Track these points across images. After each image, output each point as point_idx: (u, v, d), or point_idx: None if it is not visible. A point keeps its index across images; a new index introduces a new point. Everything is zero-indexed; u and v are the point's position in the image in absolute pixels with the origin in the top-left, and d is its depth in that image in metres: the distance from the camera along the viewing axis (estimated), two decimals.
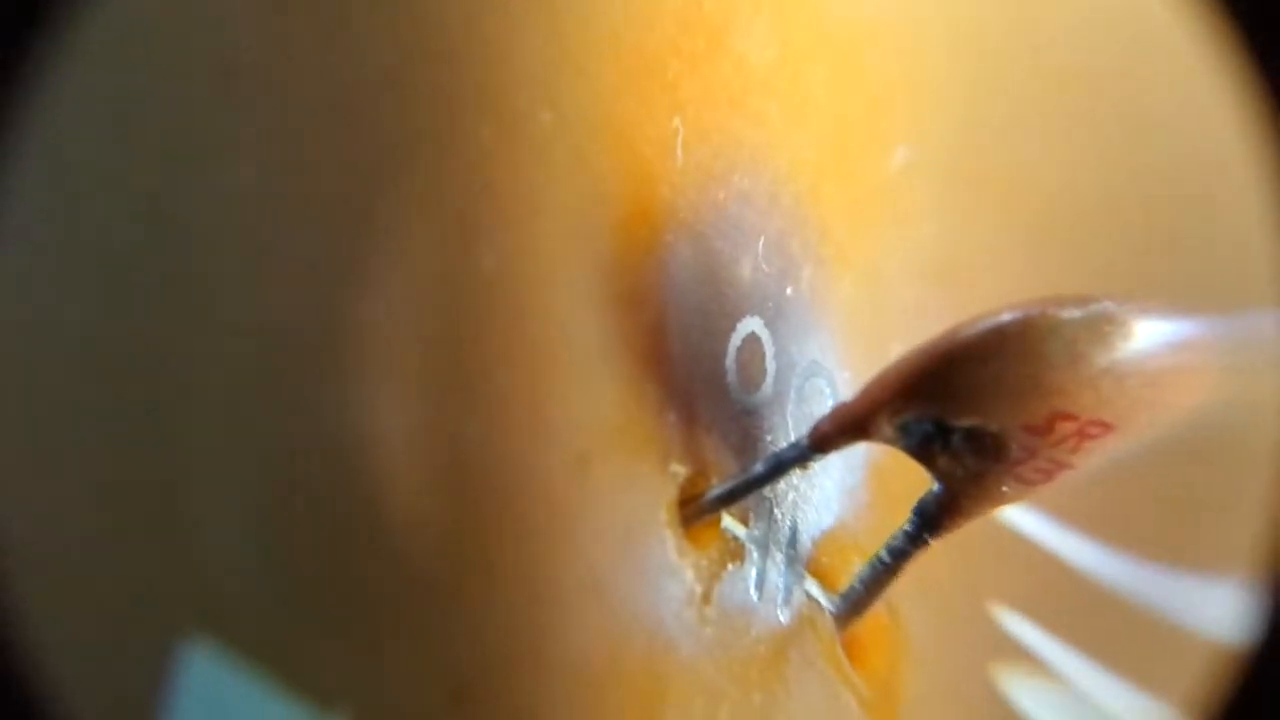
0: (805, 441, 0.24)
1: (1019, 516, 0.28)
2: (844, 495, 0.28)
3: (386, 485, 0.20)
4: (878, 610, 0.26)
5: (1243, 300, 0.26)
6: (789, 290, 0.26)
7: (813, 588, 0.26)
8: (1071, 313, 0.22)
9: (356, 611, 0.20)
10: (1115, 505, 0.29)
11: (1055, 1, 0.28)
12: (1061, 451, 0.23)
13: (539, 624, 0.22)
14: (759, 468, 0.25)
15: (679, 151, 0.24)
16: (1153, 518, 0.29)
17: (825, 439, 0.24)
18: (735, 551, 0.25)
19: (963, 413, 0.23)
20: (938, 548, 0.25)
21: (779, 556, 0.26)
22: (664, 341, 0.24)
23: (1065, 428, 0.22)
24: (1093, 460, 0.23)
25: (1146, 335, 0.22)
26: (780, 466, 0.25)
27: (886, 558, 0.25)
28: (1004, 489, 0.23)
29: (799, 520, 0.27)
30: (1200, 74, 0.22)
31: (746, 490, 0.25)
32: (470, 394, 0.21)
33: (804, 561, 0.26)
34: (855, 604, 0.26)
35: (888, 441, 0.24)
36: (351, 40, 0.20)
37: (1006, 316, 0.22)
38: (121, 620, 0.17)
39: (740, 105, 0.25)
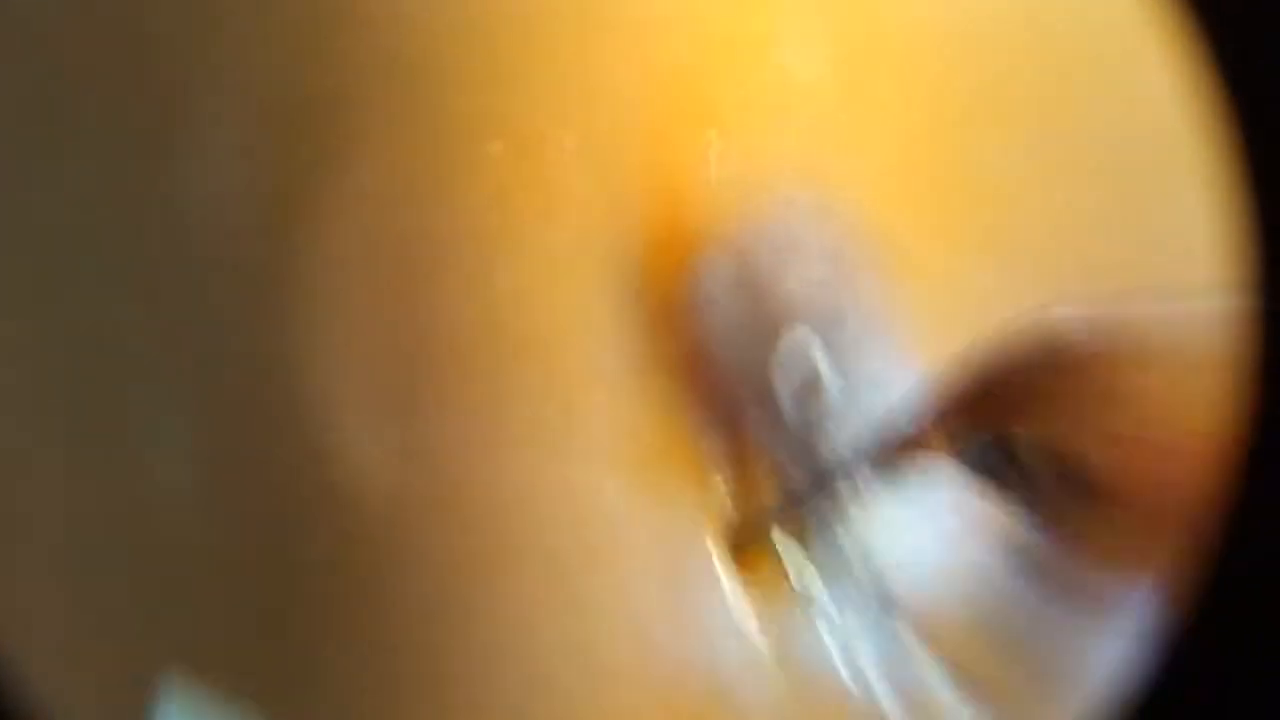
0: (855, 456, 0.24)
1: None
2: (940, 539, 0.25)
3: (410, 523, 0.20)
4: None
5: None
6: (846, 301, 0.26)
7: (923, 662, 0.24)
8: (1143, 311, 0.20)
9: (373, 664, 0.20)
10: None
11: None
12: (1142, 463, 0.21)
13: (572, 640, 0.21)
14: (807, 486, 0.24)
15: (714, 165, 0.24)
16: None
17: (880, 457, 0.23)
18: (795, 578, 0.24)
19: (1024, 425, 0.21)
20: None
21: (863, 607, 0.24)
22: (701, 358, 0.23)
23: (1143, 438, 0.21)
24: (1196, 482, 0.21)
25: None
26: (831, 484, 0.24)
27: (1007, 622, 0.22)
28: (1098, 512, 0.21)
29: (878, 557, 0.25)
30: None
31: (797, 510, 0.24)
32: (484, 412, 0.21)
33: (905, 623, 0.24)
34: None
35: (949, 459, 0.23)
36: (353, 64, 0.20)
37: (1064, 321, 0.21)
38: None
39: (785, 116, 0.25)
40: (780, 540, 0.24)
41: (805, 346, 0.25)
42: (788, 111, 0.24)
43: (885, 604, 0.24)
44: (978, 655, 0.23)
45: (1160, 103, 0.25)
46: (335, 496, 0.19)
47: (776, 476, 0.24)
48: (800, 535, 0.25)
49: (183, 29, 0.19)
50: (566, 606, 0.21)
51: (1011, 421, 0.21)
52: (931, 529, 0.25)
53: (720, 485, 0.23)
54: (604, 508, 0.22)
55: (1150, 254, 0.26)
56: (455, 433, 0.21)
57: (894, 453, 0.23)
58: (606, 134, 0.22)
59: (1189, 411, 0.21)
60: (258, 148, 0.19)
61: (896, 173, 0.26)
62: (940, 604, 0.24)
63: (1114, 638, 0.22)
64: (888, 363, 0.26)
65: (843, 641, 0.23)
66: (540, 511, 0.21)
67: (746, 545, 0.23)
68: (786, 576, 0.24)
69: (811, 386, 0.25)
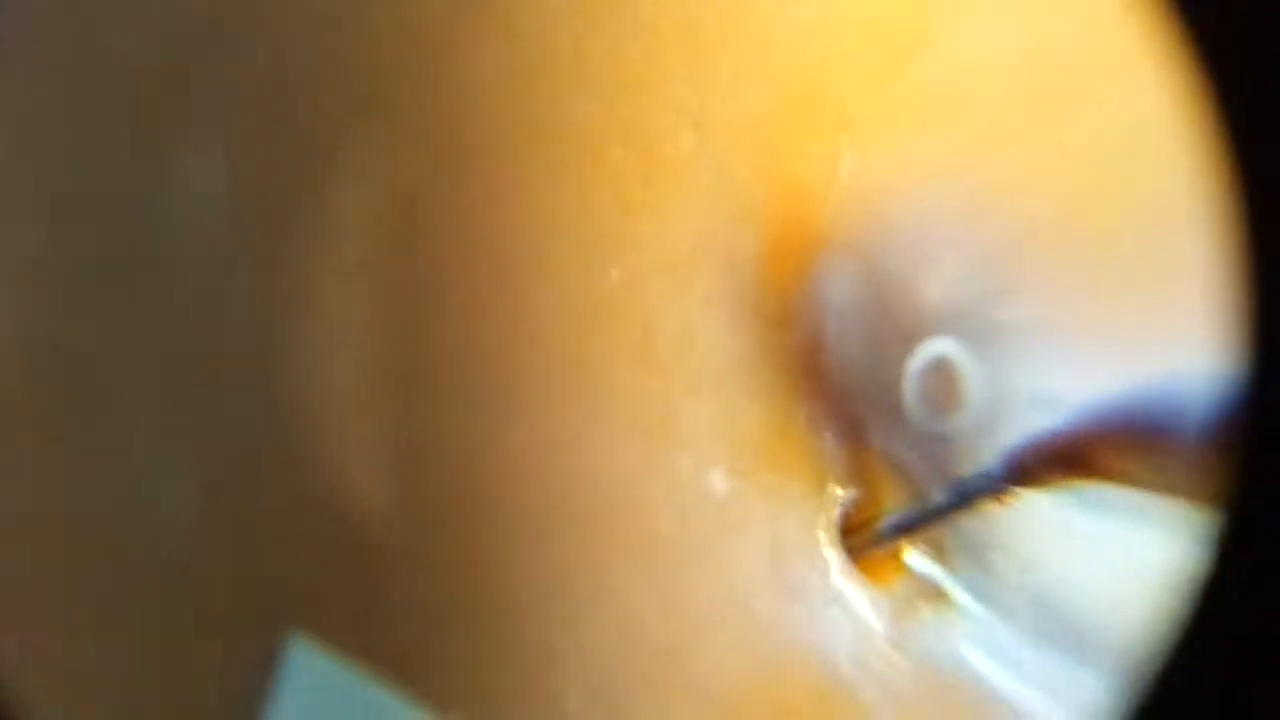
0: (1000, 472, 0.23)
1: None
2: (1100, 551, 0.24)
3: (509, 494, 0.21)
4: None
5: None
6: (1008, 313, 0.25)
7: (1093, 676, 0.23)
8: None
9: (481, 620, 0.21)
10: None
11: None
12: None
13: (672, 641, 0.21)
14: (940, 498, 0.23)
15: (843, 170, 0.23)
16: None
17: (1024, 471, 0.22)
18: (935, 595, 0.24)
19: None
20: None
21: (1017, 617, 0.23)
22: (820, 361, 0.23)
23: None
24: None
25: None
26: (966, 498, 0.23)
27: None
28: None
29: (1045, 576, 0.24)
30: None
31: (927, 521, 0.23)
32: (589, 400, 0.21)
33: (1075, 637, 0.23)
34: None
35: (1130, 482, 0.21)
36: (483, 72, 0.21)
37: None
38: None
39: (927, 122, 0.24)
40: (913, 555, 0.24)
41: (944, 358, 0.24)
42: (927, 118, 0.24)
43: (1049, 616, 0.23)
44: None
45: None
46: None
47: (905, 487, 0.24)
48: (937, 548, 0.24)
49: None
50: (660, 577, 0.21)
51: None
52: (1124, 559, 0.24)
53: (835, 487, 0.23)
54: (710, 497, 0.22)
55: None
56: (568, 418, 0.21)
57: (1045, 468, 0.22)
58: (728, 136, 0.23)
59: None
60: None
61: (1077, 188, 0.25)
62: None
63: None
64: (1053, 380, 0.25)
65: (982, 640, 0.23)
66: (640, 500, 0.21)
67: (864, 549, 0.23)
68: (911, 578, 0.23)
69: (945, 399, 0.24)
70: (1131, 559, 0.24)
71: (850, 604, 0.23)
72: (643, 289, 0.22)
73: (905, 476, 0.24)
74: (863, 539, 0.23)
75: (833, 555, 0.23)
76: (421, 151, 0.21)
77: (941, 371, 0.24)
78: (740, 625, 0.22)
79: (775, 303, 0.23)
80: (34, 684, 0.18)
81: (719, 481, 0.22)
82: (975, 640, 0.24)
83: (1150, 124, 0.25)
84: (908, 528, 0.23)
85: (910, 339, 0.24)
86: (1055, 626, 0.24)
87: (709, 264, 0.23)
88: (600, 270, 0.22)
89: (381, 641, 0.20)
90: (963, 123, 0.25)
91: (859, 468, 0.23)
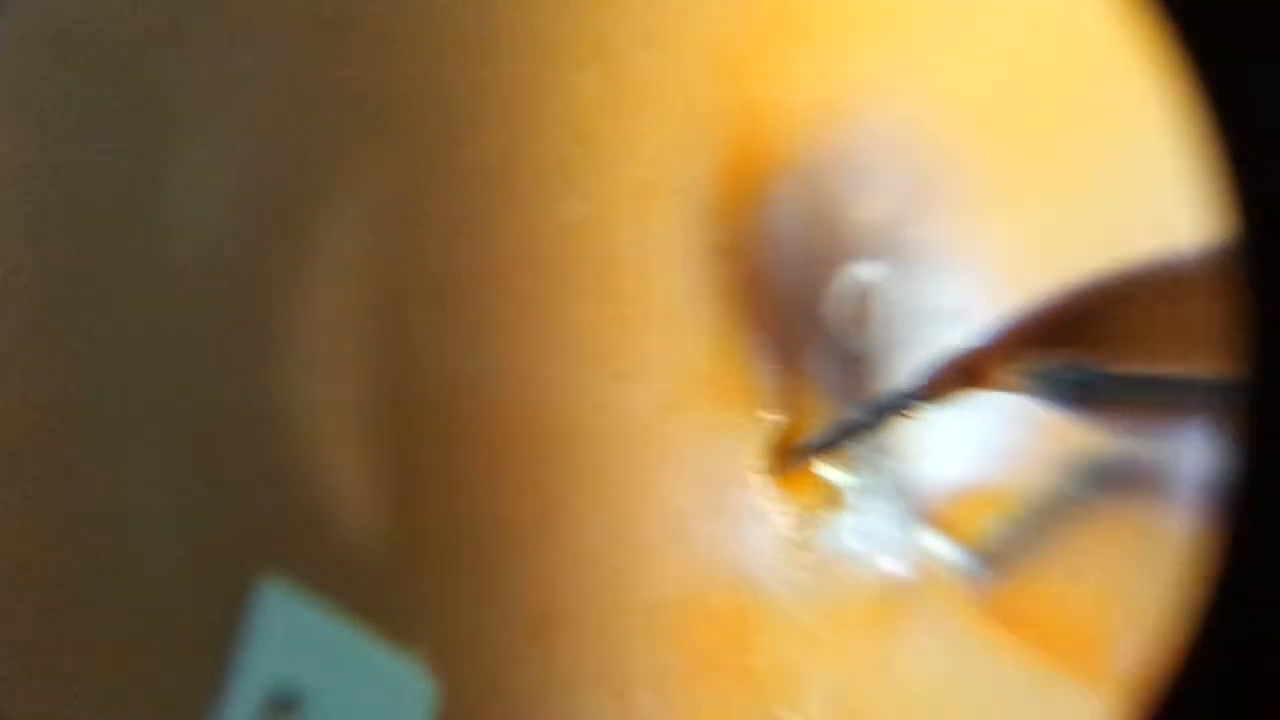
0: (911, 389, 0.24)
1: None
2: (982, 447, 0.26)
3: (463, 422, 0.21)
4: (1042, 572, 0.25)
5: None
6: (923, 233, 0.25)
7: (935, 541, 0.26)
8: None
9: (437, 547, 0.21)
10: None
11: None
12: None
13: (619, 563, 0.22)
14: (858, 416, 0.24)
15: (801, 89, 0.23)
16: None
17: (933, 388, 0.24)
18: (836, 499, 0.25)
19: (1129, 358, 0.21)
20: None
21: (889, 506, 0.26)
22: (762, 288, 0.24)
23: None
24: None
25: None
26: (882, 415, 0.24)
27: (1039, 516, 0.24)
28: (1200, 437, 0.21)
29: (917, 471, 0.26)
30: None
31: (846, 438, 0.24)
32: (549, 334, 0.21)
33: (923, 514, 0.26)
34: (1000, 562, 0.25)
35: (1020, 392, 0.23)
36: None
37: (1181, 250, 0.20)
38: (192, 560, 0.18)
39: (884, 40, 0.24)
40: (824, 468, 0.25)
41: (863, 279, 0.25)
42: (884, 37, 0.24)
43: (910, 501, 0.25)
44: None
45: None
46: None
47: (827, 407, 0.25)
48: (845, 463, 0.25)
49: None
50: (609, 505, 0.22)
51: (1114, 352, 0.21)
52: (977, 440, 0.26)
53: (768, 413, 0.24)
54: (655, 428, 0.22)
55: None
56: (524, 346, 0.21)
57: (950, 384, 0.23)
58: (687, 54, 0.22)
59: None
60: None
61: (996, 106, 0.26)
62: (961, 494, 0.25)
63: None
64: (960, 296, 0.26)
65: (865, 527, 0.25)
66: (593, 432, 0.21)
67: (789, 467, 0.24)
68: (824, 490, 0.25)
69: (864, 319, 0.25)
70: (985, 449, 0.26)
71: (771, 519, 0.24)
72: (605, 221, 0.21)
73: (828, 396, 0.25)
74: (786, 458, 0.24)
75: (763, 479, 0.24)
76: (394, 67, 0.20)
77: (861, 291, 0.25)
78: (679, 547, 0.23)
79: (726, 231, 0.23)
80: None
81: (664, 412, 0.22)
82: (861, 532, 0.25)
83: (1081, 47, 0.26)
84: (827, 445, 0.24)
85: (843, 263, 0.25)
86: (926, 513, 0.26)
87: (667, 193, 0.22)
88: (563, 203, 0.21)
89: (346, 573, 0.20)
90: (906, 38, 0.25)
91: (790, 392, 0.24)
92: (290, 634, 0.19)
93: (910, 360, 0.25)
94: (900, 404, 0.24)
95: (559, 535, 0.21)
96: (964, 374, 0.23)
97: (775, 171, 0.23)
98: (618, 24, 0.21)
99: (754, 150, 0.23)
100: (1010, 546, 0.24)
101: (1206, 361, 0.20)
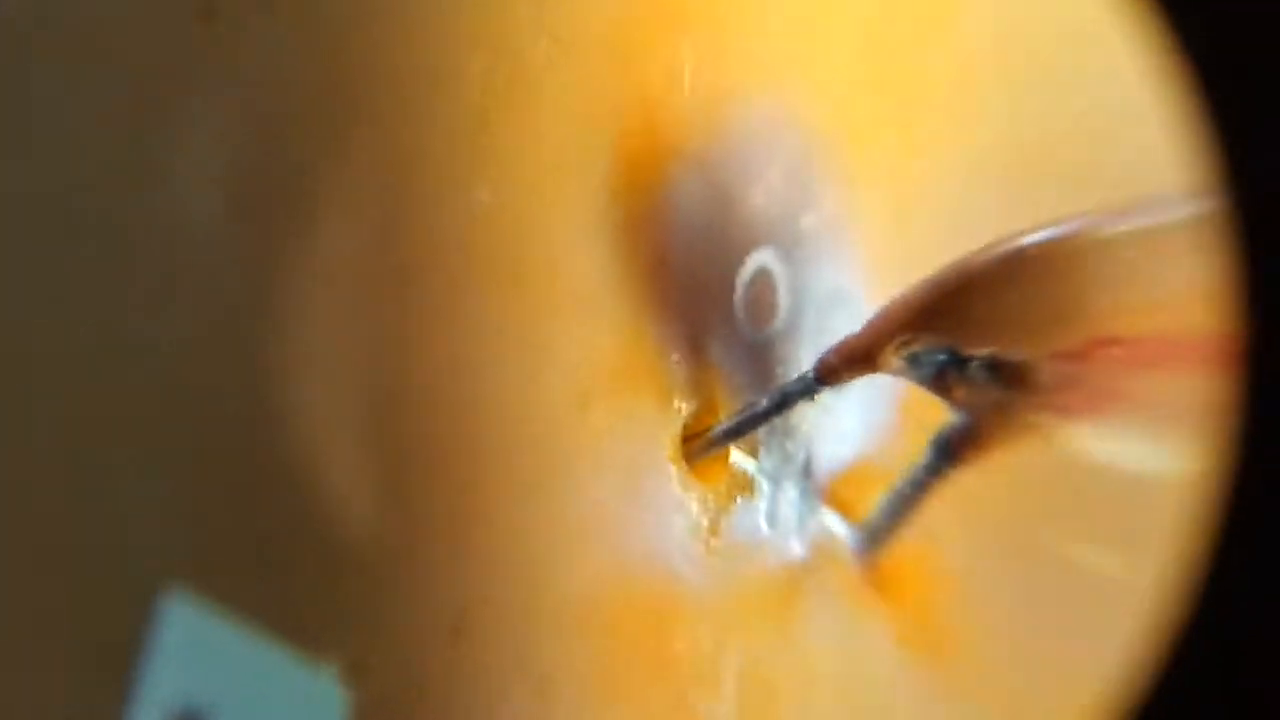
0: (811, 374, 0.24)
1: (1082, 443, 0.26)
2: (867, 428, 0.27)
3: (377, 421, 0.20)
4: (913, 542, 0.26)
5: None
6: (808, 218, 0.26)
7: (830, 519, 0.26)
8: (1118, 226, 0.20)
9: (352, 551, 0.20)
10: None
11: None
12: (1110, 379, 0.21)
13: (538, 559, 0.22)
14: (764, 402, 0.25)
15: (687, 77, 0.24)
16: None
17: (830, 372, 0.24)
18: (745, 485, 0.25)
19: (980, 342, 0.22)
20: (991, 476, 0.24)
21: (792, 489, 0.26)
22: (668, 279, 0.24)
23: (1112, 353, 0.21)
24: (1171, 389, 0.21)
25: (1186, 245, 0.19)
26: (786, 400, 0.25)
27: (906, 489, 0.25)
28: (1035, 419, 0.22)
29: (815, 453, 0.27)
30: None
31: (753, 425, 0.25)
32: (470, 324, 0.21)
33: (821, 494, 0.26)
34: (876, 535, 0.26)
35: (897, 373, 0.23)
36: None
37: (1029, 238, 0.21)
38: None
39: (758, 26, 0.24)
40: (736, 454, 0.25)
41: (764, 267, 0.25)
42: (758, 23, 0.24)
43: (810, 484, 0.26)
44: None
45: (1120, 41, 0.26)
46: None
47: (735, 394, 0.25)
48: (753, 449, 0.26)
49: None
50: (529, 498, 0.22)
51: (968, 336, 0.22)
52: (861, 418, 0.26)
53: (678, 397, 0.24)
54: (577, 421, 0.22)
55: (1118, 170, 0.26)
56: (432, 343, 0.21)
57: (843, 367, 0.24)
58: (582, 46, 0.22)
59: (1148, 325, 0.21)
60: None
61: (863, 86, 0.27)
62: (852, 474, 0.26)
63: None
64: (848, 279, 0.27)
65: (770, 510, 0.25)
66: (504, 416, 0.21)
67: (700, 454, 0.24)
68: (734, 476, 0.25)
69: (766, 307, 0.25)
70: (869, 428, 0.27)
71: (686, 507, 0.24)
72: (509, 208, 0.21)
73: (736, 384, 0.25)
74: (699, 446, 0.24)
75: (675, 469, 0.24)
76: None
77: (763, 280, 0.25)
78: (601, 537, 0.23)
79: (628, 219, 0.23)
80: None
81: (584, 404, 0.22)
82: (768, 516, 0.26)
83: (939, 23, 0.26)
84: (736, 432, 0.25)
85: (742, 250, 0.25)
86: (824, 493, 0.27)
87: (569, 180, 0.22)
88: (469, 192, 0.21)
89: (275, 583, 0.20)
90: (785, 31, 0.25)
91: (699, 381, 0.24)
92: (195, 649, 0.19)
93: (810, 345, 0.26)
94: (801, 389, 0.24)
95: (479, 529, 0.21)
96: (856, 357, 0.23)
97: (672, 158, 0.23)
98: (514, 16, 0.21)
99: (650, 138, 0.23)
100: (887, 520, 0.25)
101: (1048, 343, 0.21)
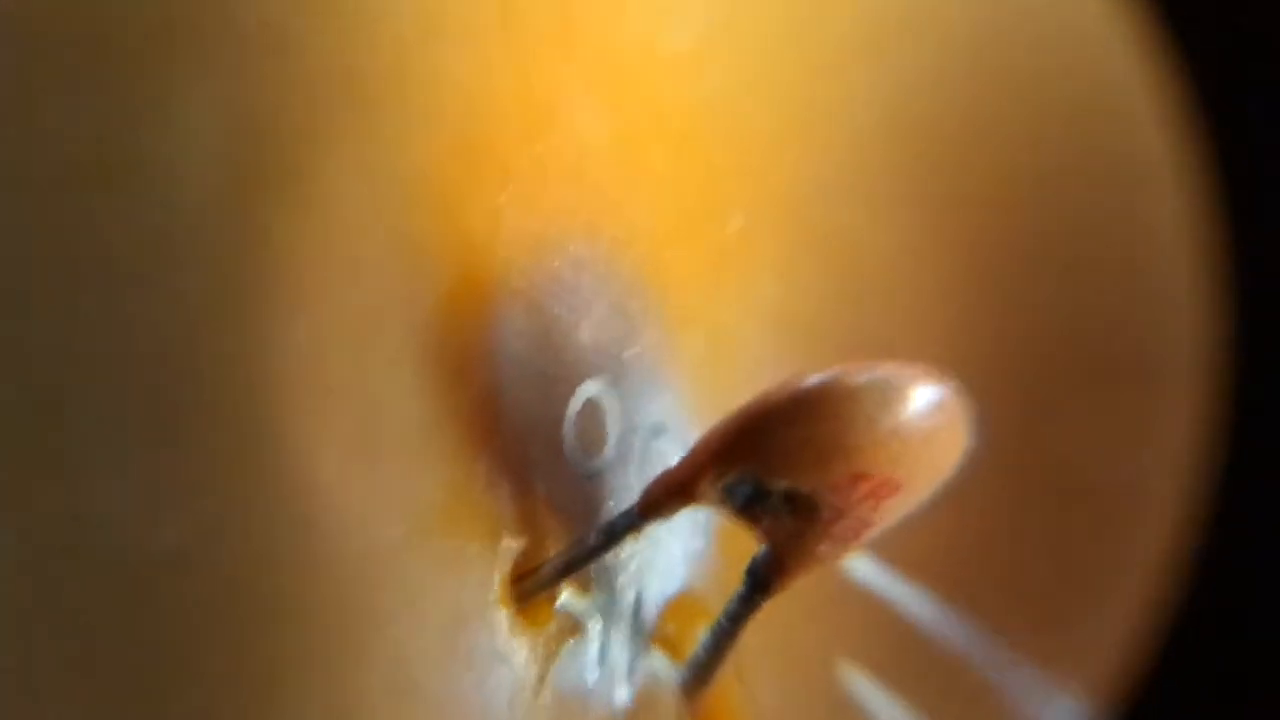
0: (636, 507, 0.24)
1: (865, 571, 0.28)
2: (689, 560, 0.27)
3: (174, 580, 0.19)
4: (726, 677, 0.26)
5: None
6: (630, 353, 0.26)
7: (656, 659, 0.26)
8: (862, 377, 0.22)
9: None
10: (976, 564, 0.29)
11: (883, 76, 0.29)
12: (864, 510, 0.23)
13: (357, 704, 0.21)
14: (592, 538, 0.24)
15: (509, 221, 0.24)
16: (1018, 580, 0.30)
17: (654, 505, 0.24)
18: (575, 627, 0.25)
19: (777, 474, 0.23)
20: (785, 606, 0.25)
21: (624, 627, 0.26)
22: (496, 413, 0.23)
23: (863, 487, 0.22)
24: (891, 519, 0.23)
25: (921, 398, 0.22)
26: (614, 535, 0.24)
27: (725, 622, 0.25)
28: (821, 548, 0.23)
29: (644, 589, 0.26)
30: None
31: (582, 562, 0.24)
32: (274, 478, 0.20)
33: (648, 632, 0.26)
34: (699, 672, 0.26)
35: (714, 505, 0.24)
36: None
37: (808, 381, 0.22)
38: None
39: (574, 177, 0.25)
40: (565, 595, 0.25)
41: (593, 398, 0.25)
42: (578, 173, 0.25)
43: (638, 622, 0.26)
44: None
45: None
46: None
47: (565, 530, 0.25)
48: (584, 586, 0.25)
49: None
50: (339, 665, 0.21)
51: (769, 468, 0.23)
52: (681, 549, 0.27)
53: (507, 535, 0.23)
54: (393, 569, 0.21)
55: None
56: (245, 493, 0.20)
57: (665, 499, 0.24)
58: (398, 187, 0.22)
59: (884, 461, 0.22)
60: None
61: (675, 238, 0.27)
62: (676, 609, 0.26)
63: None
64: (671, 411, 0.27)
65: (601, 652, 0.25)
66: (315, 573, 0.20)
67: (529, 596, 0.24)
68: (561, 619, 0.25)
69: (596, 438, 0.25)
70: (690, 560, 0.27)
71: (512, 659, 0.23)
72: (327, 351, 0.21)
73: (565, 519, 0.25)
74: (527, 587, 0.24)
75: (503, 615, 0.23)
76: None
77: (592, 411, 0.25)
78: (412, 702, 0.22)
79: (454, 357, 0.23)
80: None
81: (404, 549, 0.22)
82: (595, 662, 0.25)
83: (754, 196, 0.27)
84: (565, 570, 0.24)
85: (571, 383, 0.25)
86: (650, 632, 0.27)
87: (390, 322, 0.22)
88: (286, 333, 0.21)
89: None
90: (598, 182, 0.26)
91: (527, 516, 0.24)
92: None
93: (639, 476, 0.26)
94: (628, 522, 0.24)
95: (283, 706, 0.20)
96: (674, 490, 0.24)
97: (498, 296, 0.23)
98: (325, 156, 0.21)
99: (474, 276, 0.23)
100: (709, 655, 0.25)
101: (823, 476, 0.22)
